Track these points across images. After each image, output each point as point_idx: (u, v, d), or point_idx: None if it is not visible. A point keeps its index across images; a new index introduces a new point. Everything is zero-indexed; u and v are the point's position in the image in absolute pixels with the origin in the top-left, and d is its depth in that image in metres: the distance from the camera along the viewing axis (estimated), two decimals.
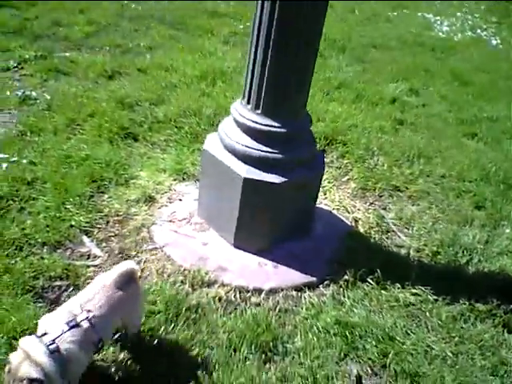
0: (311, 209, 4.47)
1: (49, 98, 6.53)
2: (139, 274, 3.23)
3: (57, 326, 2.67)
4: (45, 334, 2.62)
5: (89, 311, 2.75)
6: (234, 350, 3.36)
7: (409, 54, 9.90)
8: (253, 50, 3.73)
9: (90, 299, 2.84)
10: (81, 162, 5.12)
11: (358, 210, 4.99)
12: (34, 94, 6.61)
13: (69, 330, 2.64)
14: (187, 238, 4.30)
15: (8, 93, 6.59)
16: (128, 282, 2.97)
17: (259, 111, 3.85)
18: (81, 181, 4.80)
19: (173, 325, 3.45)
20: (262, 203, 3.95)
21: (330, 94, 7.35)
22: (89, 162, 5.12)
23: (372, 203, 5.18)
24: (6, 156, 5.01)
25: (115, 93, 6.69)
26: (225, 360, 3.26)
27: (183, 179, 5.13)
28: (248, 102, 3.91)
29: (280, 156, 3.89)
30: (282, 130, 3.84)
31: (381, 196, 5.33)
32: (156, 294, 3.65)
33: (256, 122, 3.85)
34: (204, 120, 6.15)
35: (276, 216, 4.09)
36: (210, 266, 3.99)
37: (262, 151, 3.87)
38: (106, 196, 4.77)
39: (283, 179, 3.89)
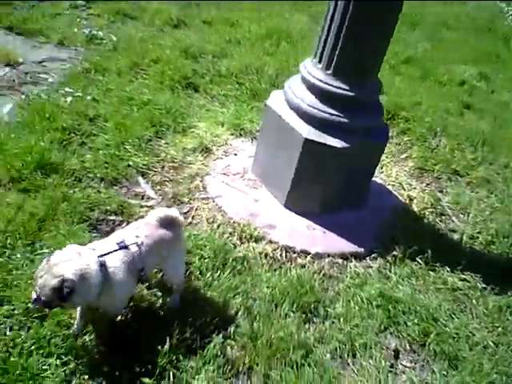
0: (368, 180, 4.38)
1: (115, 39, 6.60)
2: (182, 222, 3.15)
3: (107, 246, 2.78)
4: (93, 250, 2.75)
5: (137, 237, 2.84)
6: (276, 306, 3.37)
7: (481, 38, 9.42)
8: (331, 10, 3.61)
9: (136, 231, 2.90)
10: (142, 105, 5.18)
11: (414, 188, 4.86)
12: (100, 33, 6.70)
13: (119, 249, 2.74)
14: (239, 193, 4.31)
15: (75, 30, 6.69)
16: (171, 224, 2.97)
17: (329, 71, 3.74)
18: (141, 124, 4.85)
19: (219, 272, 3.49)
20: (319, 167, 3.89)
21: (396, 68, 7.12)
22: (149, 107, 5.16)
23: (429, 184, 5.03)
24: (71, 90, 5.10)
25: (180, 42, 6.68)
26: (266, 313, 3.28)
27: (240, 135, 5.12)
28: (319, 61, 3.81)
29: (345, 120, 3.80)
30: (350, 93, 3.73)
31: (439, 178, 5.16)
32: (205, 240, 3.68)
33: (325, 82, 3.76)
34: (265, 78, 6.07)
35: (332, 182, 4.02)
36: (260, 223, 4.00)
37: (326, 113, 3.79)
38: (163, 142, 4.82)
39: (345, 144, 3.80)
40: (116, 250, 2.73)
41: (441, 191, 4.97)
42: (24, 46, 6.10)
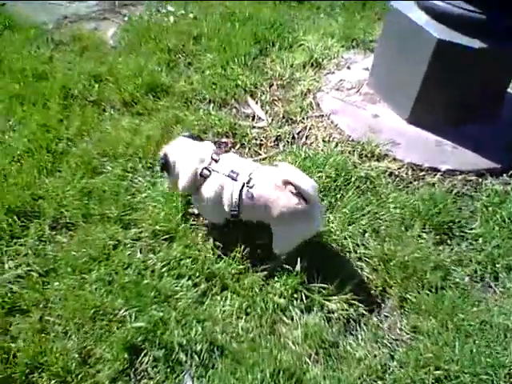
0: (503, 89, 3.84)
1: None
2: (315, 200, 2.59)
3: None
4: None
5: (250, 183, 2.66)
6: (406, 228, 3.12)
7: None
8: None
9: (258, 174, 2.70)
10: (244, 21, 4.90)
11: None
12: None
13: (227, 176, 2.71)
14: (356, 109, 3.98)
15: None
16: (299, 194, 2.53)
17: None
18: (244, 41, 4.60)
19: (342, 192, 3.28)
20: (452, 72, 3.43)
21: None
22: (252, 22, 4.88)
23: None
24: (172, 9, 4.93)
25: None
26: (397, 234, 3.05)
27: (352, 47, 4.70)
28: None
29: (483, 17, 3.27)
30: None
31: None
32: (324, 159, 3.46)
33: None
34: None
35: (464, 90, 3.54)
36: (381, 139, 3.67)
37: (462, 9, 3.28)
38: (269, 59, 4.55)
39: (482, 45, 3.30)
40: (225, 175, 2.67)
41: None
42: None
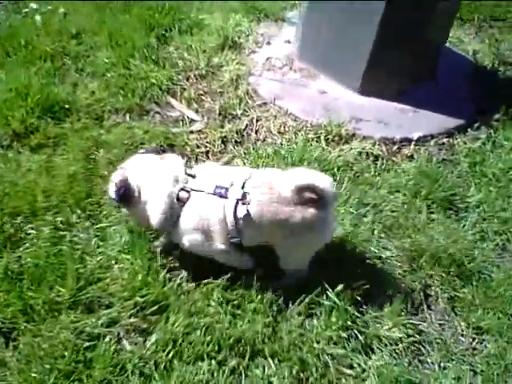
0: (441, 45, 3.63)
1: None
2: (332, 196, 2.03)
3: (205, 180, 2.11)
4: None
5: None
6: (414, 215, 2.73)
7: None
8: None
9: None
10: (125, 8, 4.03)
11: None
12: None
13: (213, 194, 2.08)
14: (298, 88, 3.46)
15: None
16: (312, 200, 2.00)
17: None
18: (137, 30, 3.76)
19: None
20: (404, 29, 3.08)
21: None
22: (136, 8, 4.02)
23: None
24: (36, 6, 3.83)
25: None
26: (410, 224, 2.66)
27: (259, 19, 4.12)
28: None
29: None
30: None
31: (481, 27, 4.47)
32: (295, 154, 2.91)
33: None
34: None
35: (413, 47, 3.23)
36: (341, 118, 3.22)
37: None
38: (172, 48, 3.78)
39: None
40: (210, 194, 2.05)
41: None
42: None
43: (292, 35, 3.79)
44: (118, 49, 3.58)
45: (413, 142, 3.19)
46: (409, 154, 3.14)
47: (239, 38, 3.83)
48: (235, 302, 2.18)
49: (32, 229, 2.41)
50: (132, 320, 2.11)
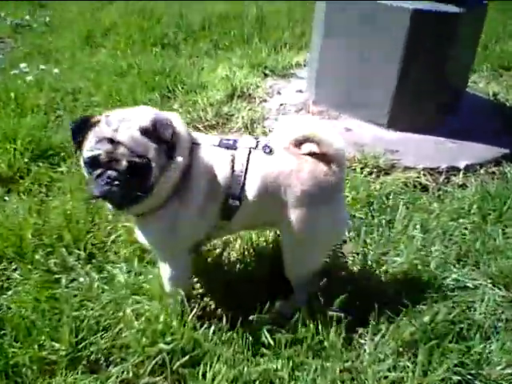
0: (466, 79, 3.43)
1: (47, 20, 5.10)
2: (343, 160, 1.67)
3: None
4: None
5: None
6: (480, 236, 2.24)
7: None
8: None
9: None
10: (122, 72, 3.81)
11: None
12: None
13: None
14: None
15: None
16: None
17: None
18: (137, 90, 3.50)
19: (388, 216, 2.30)
20: (434, 48, 2.86)
21: None
22: (132, 73, 3.81)
23: None
24: (26, 69, 3.58)
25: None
26: (476, 241, 2.14)
27: (265, 75, 3.92)
28: None
29: None
30: None
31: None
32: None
33: None
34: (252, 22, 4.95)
35: (439, 78, 3.00)
36: (375, 151, 2.84)
37: None
38: (177, 105, 3.49)
39: (462, 9, 2.85)
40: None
41: None
42: None
43: (302, 86, 3.58)
44: (119, 104, 3.26)
45: (461, 171, 2.80)
46: (460, 183, 2.73)
47: (248, 89, 3.57)
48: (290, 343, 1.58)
49: (17, 274, 1.83)
50: (156, 379, 1.48)
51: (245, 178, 1.57)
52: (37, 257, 1.87)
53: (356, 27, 2.99)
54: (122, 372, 1.50)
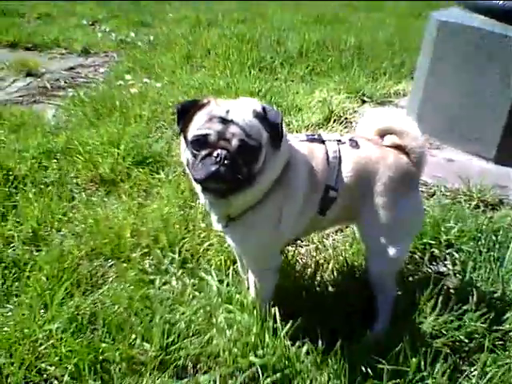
0: None
1: (151, 38, 5.43)
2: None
3: None
4: None
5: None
6: None
7: None
8: None
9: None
10: (220, 92, 3.89)
11: None
12: (128, 38, 5.52)
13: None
14: None
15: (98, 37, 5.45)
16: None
17: None
18: None
19: (496, 252, 2.10)
20: None
21: None
22: (230, 93, 3.86)
23: None
24: (132, 81, 3.77)
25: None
26: None
27: (363, 101, 3.84)
28: None
29: None
30: None
31: None
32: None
33: None
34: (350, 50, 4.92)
35: None
36: (481, 185, 2.65)
37: None
38: None
39: None
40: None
41: None
42: (39, 58, 4.84)
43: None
44: None
45: None
46: None
47: (344, 113, 3.51)
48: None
49: (112, 271, 1.86)
50: None
51: (339, 169, 1.56)
52: (133, 255, 1.89)
53: (469, 54, 2.85)
54: (209, 381, 1.44)
